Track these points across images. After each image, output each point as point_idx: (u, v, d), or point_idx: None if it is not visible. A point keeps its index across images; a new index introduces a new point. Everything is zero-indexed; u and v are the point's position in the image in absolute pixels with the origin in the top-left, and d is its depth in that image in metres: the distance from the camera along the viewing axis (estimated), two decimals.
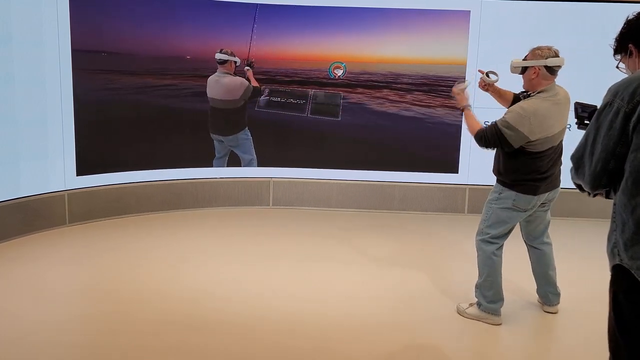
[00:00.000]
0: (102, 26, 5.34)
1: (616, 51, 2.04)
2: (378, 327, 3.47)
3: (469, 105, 3.56)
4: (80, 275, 4.25)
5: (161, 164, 5.88)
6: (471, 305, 3.59)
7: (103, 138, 5.49)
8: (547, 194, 3.39)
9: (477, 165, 6.10)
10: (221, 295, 3.86)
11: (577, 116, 2.25)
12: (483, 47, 5.96)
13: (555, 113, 3.27)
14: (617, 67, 2.06)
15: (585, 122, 2.19)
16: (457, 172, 6.21)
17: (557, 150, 3.37)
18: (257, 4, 5.93)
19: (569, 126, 3.37)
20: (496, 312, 3.49)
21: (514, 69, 3.36)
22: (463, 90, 3.56)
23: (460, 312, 3.61)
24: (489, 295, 3.49)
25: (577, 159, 1.95)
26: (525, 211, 3.42)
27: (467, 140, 6.13)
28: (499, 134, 3.23)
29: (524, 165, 3.31)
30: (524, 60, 3.33)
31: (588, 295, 3.97)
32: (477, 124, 3.44)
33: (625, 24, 2.00)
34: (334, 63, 6.15)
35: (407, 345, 3.25)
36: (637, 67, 1.96)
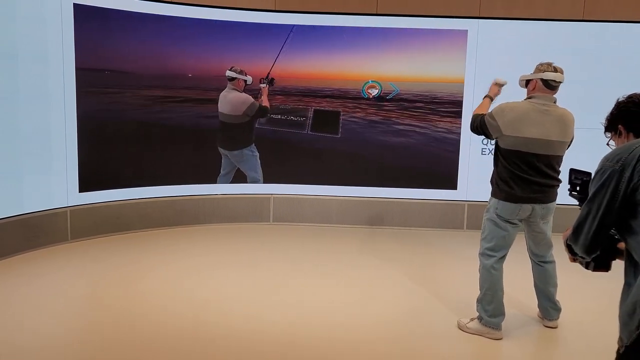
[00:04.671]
0: (105, 44, 5.42)
1: (607, 129, 2.18)
2: (379, 341, 3.49)
3: (492, 98, 3.78)
4: (82, 291, 4.27)
5: (163, 180, 5.93)
6: (472, 319, 3.61)
7: (105, 155, 5.54)
8: (533, 205, 3.43)
9: (475, 181, 6.16)
10: (223, 311, 3.88)
11: (569, 182, 2.31)
12: (480, 65, 6.05)
13: (535, 119, 3.36)
14: (608, 144, 2.18)
15: (578, 188, 2.26)
16: (456, 189, 6.27)
17: (543, 161, 3.40)
18: (293, 25, 6.08)
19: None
20: (497, 327, 3.51)
21: (520, 82, 3.60)
22: (500, 85, 3.80)
23: (461, 327, 3.64)
24: (490, 310, 3.52)
25: (577, 226, 2.04)
26: (511, 223, 3.47)
27: (466, 157, 6.20)
28: (483, 120, 3.52)
29: (503, 169, 3.45)
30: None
31: (588, 310, 4.01)
32: (481, 110, 3.66)
33: (615, 105, 2.15)
34: (367, 82, 6.24)
35: (402, 356, 3.27)
36: None
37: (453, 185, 6.27)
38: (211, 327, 3.61)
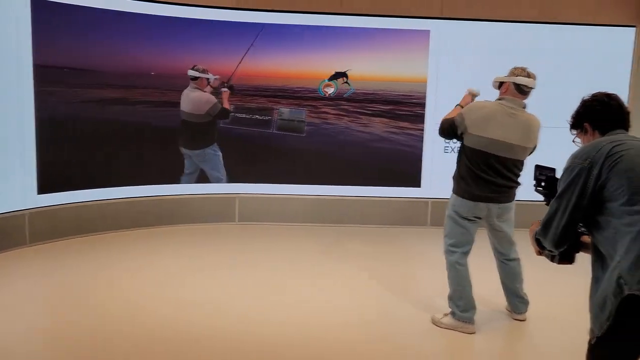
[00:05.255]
0: (66, 41, 5.24)
1: (573, 127, 2.27)
2: (355, 339, 3.51)
3: (462, 107, 3.77)
4: (43, 295, 4.13)
5: (125, 181, 5.78)
6: (446, 315, 3.69)
7: (66, 155, 5.36)
8: (489, 205, 3.52)
9: (439, 179, 6.27)
10: (185, 312, 3.81)
11: (535, 178, 2.40)
12: (443, 65, 6.17)
13: (501, 121, 3.45)
14: (573, 141, 2.28)
15: (542, 184, 2.35)
16: (420, 186, 6.37)
17: (503, 163, 3.48)
18: (263, 24, 6.02)
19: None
20: (470, 321, 3.60)
21: (493, 84, 3.65)
22: (474, 95, 3.82)
23: (435, 322, 3.70)
24: (461, 305, 3.60)
25: (546, 221, 2.12)
26: (469, 220, 3.56)
27: (429, 155, 6.31)
28: (452, 121, 3.56)
29: (464, 168, 3.53)
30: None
31: (554, 302, 4.16)
32: (451, 116, 3.67)
33: (580, 104, 2.24)
34: (324, 81, 6.23)
35: (384, 356, 3.31)
36: None
37: (417, 183, 6.37)
38: (179, 330, 3.55)
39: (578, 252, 2.20)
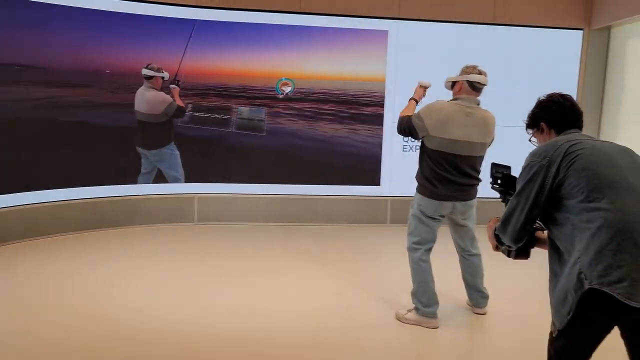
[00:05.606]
0: (13, 37, 5.04)
1: (529, 126, 2.35)
2: (319, 337, 3.51)
3: (417, 100, 3.86)
4: None
5: (79, 181, 5.61)
6: (409, 311, 3.74)
7: (16, 156, 5.15)
8: (454, 203, 3.61)
9: (398, 177, 6.36)
10: (143, 315, 3.72)
11: (491, 176, 2.46)
12: (401, 65, 6.25)
13: (460, 121, 3.52)
14: (530, 140, 2.35)
15: (499, 181, 2.41)
16: (379, 185, 6.44)
17: (466, 162, 3.57)
18: (195, 20, 5.90)
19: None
20: (433, 315, 3.66)
21: (446, 84, 3.71)
22: (425, 87, 3.87)
23: (399, 318, 3.75)
24: (425, 300, 3.66)
25: (505, 217, 2.17)
26: (434, 218, 3.63)
27: (388, 154, 6.38)
28: (410, 121, 3.61)
29: (427, 168, 3.59)
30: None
31: (511, 295, 4.27)
32: (408, 112, 3.73)
33: (536, 104, 2.32)
34: (281, 80, 6.19)
35: (350, 353, 3.33)
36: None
37: (376, 182, 6.43)
38: (140, 335, 3.46)
39: (533, 247, 2.27)
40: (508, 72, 6.24)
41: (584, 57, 6.36)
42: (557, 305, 2.01)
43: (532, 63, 6.33)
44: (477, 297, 3.90)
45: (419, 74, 6.01)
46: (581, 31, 6.34)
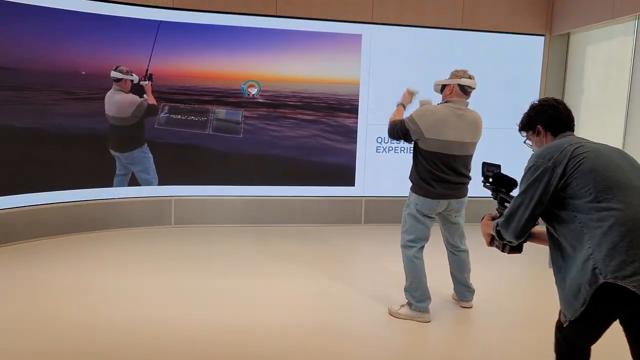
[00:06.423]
0: None
1: (523, 129, 2.49)
2: (314, 335, 3.58)
3: (404, 105, 4.00)
4: None
5: (53, 185, 5.48)
6: (402, 306, 3.87)
7: None
8: (450, 201, 3.79)
9: (372, 177, 6.51)
10: (122, 318, 3.69)
11: (483, 174, 2.61)
12: (374, 68, 6.41)
13: (453, 123, 3.70)
14: (525, 142, 2.50)
15: (490, 180, 2.56)
16: (354, 185, 6.57)
17: (459, 161, 3.75)
18: (160, 21, 5.85)
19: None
20: (425, 310, 3.81)
21: (436, 87, 3.87)
22: (413, 93, 4.00)
23: (392, 314, 3.88)
24: (417, 296, 3.81)
25: (509, 215, 2.29)
26: (429, 217, 3.80)
27: (362, 154, 6.53)
28: (404, 125, 3.73)
29: (422, 169, 3.75)
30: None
31: (495, 290, 4.48)
32: (397, 117, 3.88)
33: (531, 108, 2.46)
34: (247, 82, 6.21)
35: (346, 349, 3.42)
36: (544, 144, 2.39)
37: (351, 182, 6.57)
38: (110, 335, 3.44)
39: (526, 242, 2.41)
40: (475, 75, 6.45)
41: (546, 62, 6.69)
42: (569, 298, 2.13)
43: (498, 67, 6.61)
44: (464, 291, 4.08)
45: (391, 76, 6.29)
46: (543, 37, 6.68)
